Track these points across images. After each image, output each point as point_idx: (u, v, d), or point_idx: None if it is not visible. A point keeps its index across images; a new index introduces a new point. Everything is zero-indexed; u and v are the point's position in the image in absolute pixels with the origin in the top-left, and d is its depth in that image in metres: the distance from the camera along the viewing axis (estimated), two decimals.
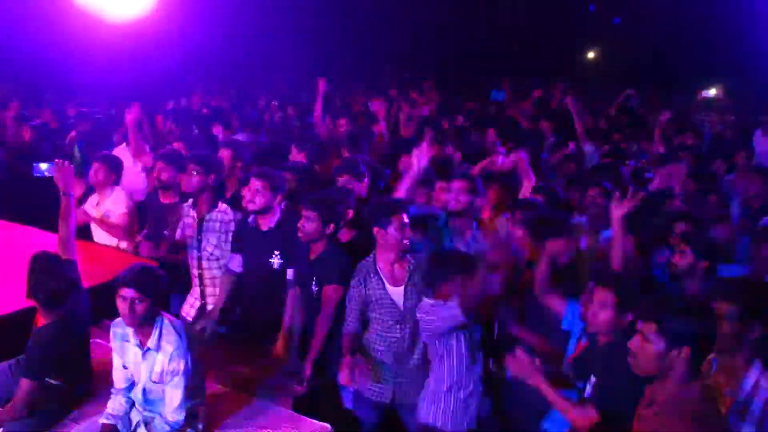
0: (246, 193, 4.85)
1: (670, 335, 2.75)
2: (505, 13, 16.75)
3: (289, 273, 4.79)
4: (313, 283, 4.52)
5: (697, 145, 8.79)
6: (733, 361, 3.29)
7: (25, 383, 3.91)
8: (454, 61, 17.59)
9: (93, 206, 6.08)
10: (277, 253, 4.83)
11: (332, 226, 4.47)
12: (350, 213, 4.79)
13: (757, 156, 8.20)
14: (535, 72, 16.96)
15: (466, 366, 3.95)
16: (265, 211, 4.83)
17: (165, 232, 5.72)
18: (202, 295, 5.30)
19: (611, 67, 20.63)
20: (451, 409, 3.95)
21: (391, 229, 4.18)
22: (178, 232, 5.46)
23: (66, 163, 4.60)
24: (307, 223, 4.45)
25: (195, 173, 5.17)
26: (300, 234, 4.49)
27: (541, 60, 18.79)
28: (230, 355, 4.75)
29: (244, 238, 4.99)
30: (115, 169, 6.07)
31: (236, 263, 5.03)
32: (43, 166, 4.85)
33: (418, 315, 3.97)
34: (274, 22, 14.72)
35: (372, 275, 4.27)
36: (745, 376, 3.24)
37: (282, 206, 4.94)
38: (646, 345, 2.81)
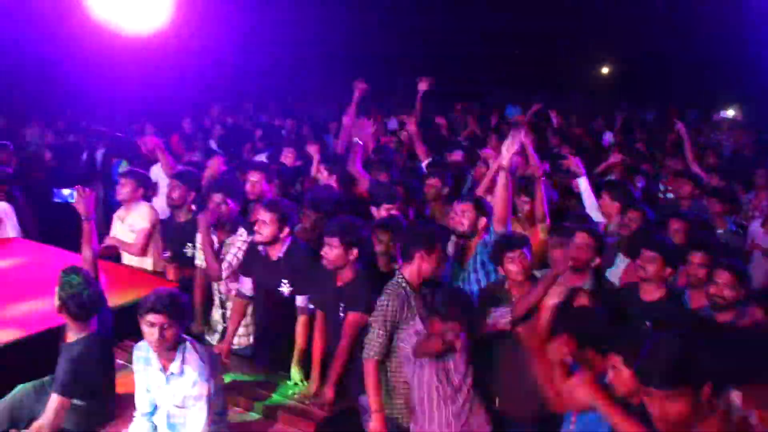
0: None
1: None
2: (518, 26, 16.71)
3: (300, 300, 4.79)
4: (341, 310, 4.48)
5: (719, 165, 8.74)
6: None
7: (55, 400, 3.91)
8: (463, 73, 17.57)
9: (119, 220, 6.10)
10: (285, 281, 4.81)
11: (356, 251, 4.44)
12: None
13: None
14: (548, 86, 16.99)
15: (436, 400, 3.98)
16: (272, 242, 4.82)
17: (186, 250, 5.72)
18: (224, 318, 5.31)
19: (625, 83, 20.62)
20: None
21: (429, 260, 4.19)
22: (198, 256, 5.46)
23: (87, 189, 4.66)
24: (330, 251, 4.42)
25: (223, 204, 5.22)
26: (324, 262, 4.47)
27: (555, 74, 18.82)
28: (251, 379, 4.73)
29: (255, 265, 4.98)
30: (142, 184, 6.09)
31: (247, 287, 5.02)
32: (66, 191, 4.84)
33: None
34: (293, 36, 14.76)
35: (406, 296, 4.22)
36: None
37: (290, 237, 4.88)
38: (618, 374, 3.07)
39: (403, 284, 4.22)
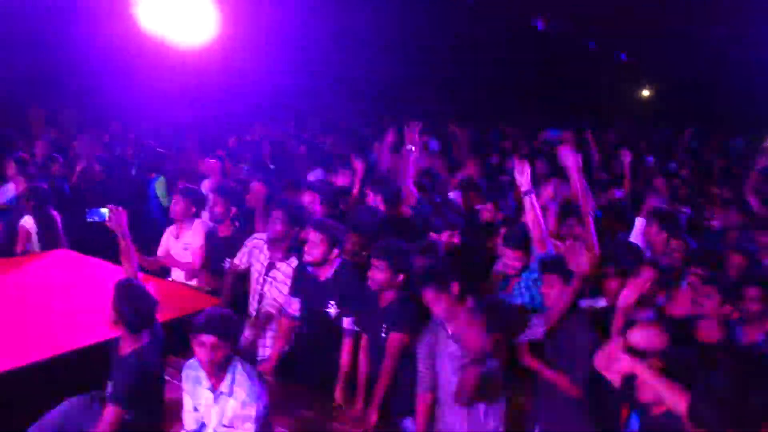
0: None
1: None
2: (559, 50, 16.68)
3: (346, 321, 4.79)
4: (383, 330, 4.48)
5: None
6: None
7: (110, 411, 3.97)
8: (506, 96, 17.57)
9: (173, 237, 6.13)
10: (333, 303, 4.82)
11: (402, 276, 4.44)
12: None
13: None
14: (590, 110, 16.92)
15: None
16: (321, 263, 4.83)
17: (225, 264, 5.76)
18: (254, 326, 5.32)
19: (666, 107, 20.45)
20: None
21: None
22: (243, 259, 5.47)
23: (119, 208, 4.74)
24: (377, 273, 4.43)
25: (280, 222, 5.19)
26: (370, 283, 4.48)
27: (596, 98, 18.74)
28: (294, 400, 4.71)
29: (303, 286, 4.99)
30: (195, 202, 6.12)
31: (295, 308, 5.04)
32: (104, 210, 4.89)
33: None
34: (336, 54, 14.84)
35: (441, 332, 4.23)
36: None
37: (338, 258, 4.89)
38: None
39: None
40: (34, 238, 6.58)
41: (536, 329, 4.13)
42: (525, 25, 15.38)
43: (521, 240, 4.90)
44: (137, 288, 4.17)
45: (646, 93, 22.89)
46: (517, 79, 17.31)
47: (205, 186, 7.60)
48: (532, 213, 4.97)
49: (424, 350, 4.25)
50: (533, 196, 5.00)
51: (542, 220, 5.05)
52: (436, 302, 4.17)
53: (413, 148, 6.25)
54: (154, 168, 9.02)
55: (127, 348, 4.12)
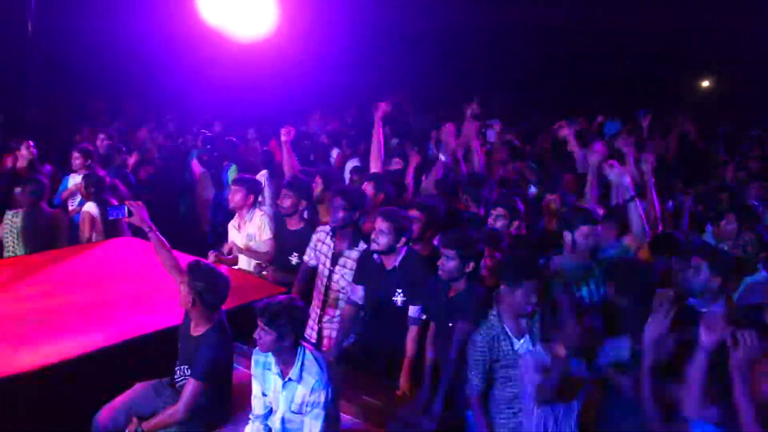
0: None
1: None
2: (617, 40, 16.38)
3: (413, 310, 4.76)
4: (450, 320, 4.44)
5: None
6: None
7: (192, 384, 4.07)
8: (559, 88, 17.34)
9: (234, 228, 6.18)
10: (400, 291, 4.81)
11: (472, 264, 4.41)
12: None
13: None
14: (648, 101, 16.55)
15: None
16: (388, 252, 4.81)
17: (291, 258, 5.77)
18: (319, 320, 5.33)
19: (728, 97, 19.92)
20: None
21: (519, 294, 4.11)
22: (311, 255, 5.49)
23: (139, 202, 4.81)
24: (447, 262, 4.39)
25: (341, 209, 5.18)
26: (440, 273, 4.45)
27: (654, 90, 18.33)
28: (359, 387, 4.70)
29: (368, 274, 4.98)
30: (252, 191, 6.14)
31: (359, 295, 5.03)
32: (125, 208, 4.89)
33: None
34: (392, 47, 14.83)
35: (500, 333, 4.19)
36: None
37: (405, 247, 4.87)
38: None
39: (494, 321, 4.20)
40: (99, 225, 6.69)
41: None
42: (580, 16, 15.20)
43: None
44: (210, 267, 4.28)
45: (705, 84, 22.34)
46: (574, 72, 17.05)
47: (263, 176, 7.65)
48: (637, 217, 5.10)
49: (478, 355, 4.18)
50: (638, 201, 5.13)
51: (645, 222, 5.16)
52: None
53: (443, 158, 6.17)
54: (226, 156, 9.14)
55: (200, 328, 4.20)
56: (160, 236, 4.69)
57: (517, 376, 4.07)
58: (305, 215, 5.90)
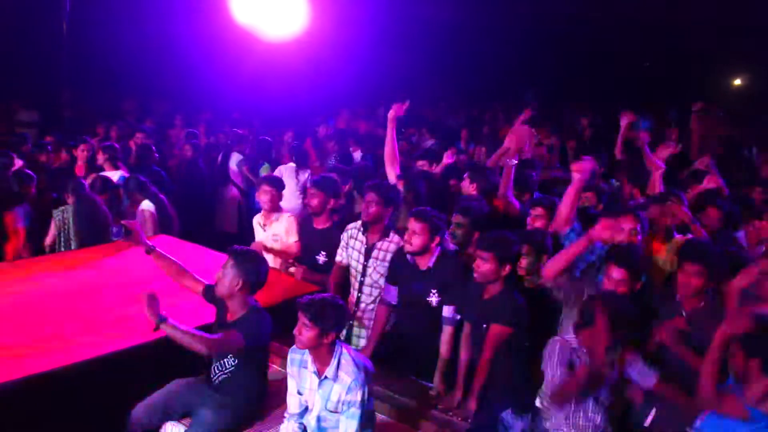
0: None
1: None
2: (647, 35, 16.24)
3: (447, 310, 4.76)
4: (484, 322, 4.45)
5: None
6: None
7: (231, 333, 4.11)
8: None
9: (259, 225, 6.20)
10: (434, 291, 4.81)
11: (508, 267, 4.40)
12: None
13: None
14: (679, 98, 16.38)
15: None
16: (422, 252, 4.81)
17: (318, 257, 5.78)
18: (352, 317, 5.34)
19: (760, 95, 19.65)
20: None
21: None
22: (343, 254, 5.50)
23: (135, 222, 4.89)
24: (483, 264, 4.39)
25: (374, 204, 5.20)
26: (475, 275, 4.45)
27: (685, 88, 18.11)
28: (393, 387, 4.71)
29: (402, 274, 4.98)
30: (279, 191, 6.19)
31: (393, 295, 5.04)
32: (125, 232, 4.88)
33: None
34: (426, 44, 14.80)
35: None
36: None
37: (439, 247, 4.86)
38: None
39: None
40: (150, 223, 6.74)
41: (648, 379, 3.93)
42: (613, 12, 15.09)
43: None
44: (253, 251, 4.40)
45: (737, 82, 22.03)
46: (604, 67, 16.93)
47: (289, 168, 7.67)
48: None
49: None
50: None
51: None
52: None
53: (515, 162, 6.03)
54: (261, 156, 9.24)
55: (237, 312, 4.24)
56: (161, 253, 4.67)
57: None
58: (335, 216, 5.90)
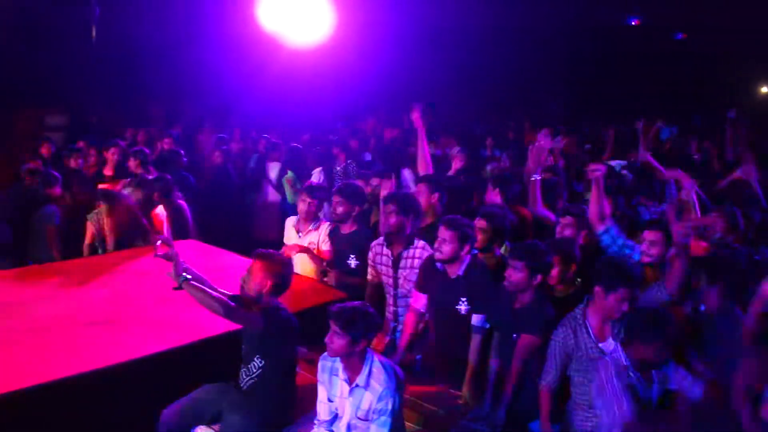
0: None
1: None
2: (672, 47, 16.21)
3: (476, 318, 4.75)
4: (514, 332, 4.44)
5: None
6: None
7: (256, 314, 4.12)
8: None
9: (293, 228, 6.18)
10: (464, 300, 4.80)
11: (539, 277, 4.39)
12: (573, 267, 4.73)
13: None
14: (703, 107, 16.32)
15: None
16: (452, 260, 4.80)
17: (350, 261, 5.79)
18: (393, 331, 5.35)
19: None
20: None
21: (612, 298, 4.05)
22: (372, 272, 5.52)
23: (166, 235, 4.80)
24: (514, 273, 4.38)
25: (393, 214, 5.21)
26: (506, 284, 4.44)
27: (710, 94, 18.00)
28: (422, 396, 4.70)
29: (431, 282, 4.97)
30: (320, 200, 6.19)
31: (421, 303, 5.03)
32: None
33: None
34: (446, 52, 14.81)
35: (581, 329, 4.16)
36: None
37: (469, 255, 4.84)
38: None
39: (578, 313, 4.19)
40: (166, 227, 6.78)
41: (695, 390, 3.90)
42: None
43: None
44: (279, 254, 4.42)
45: (765, 90, 21.81)
46: (630, 75, 16.87)
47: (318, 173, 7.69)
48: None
49: (557, 348, 4.19)
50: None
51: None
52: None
53: (538, 177, 6.05)
54: (290, 162, 9.30)
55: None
56: (194, 285, 4.15)
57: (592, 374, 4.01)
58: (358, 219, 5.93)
